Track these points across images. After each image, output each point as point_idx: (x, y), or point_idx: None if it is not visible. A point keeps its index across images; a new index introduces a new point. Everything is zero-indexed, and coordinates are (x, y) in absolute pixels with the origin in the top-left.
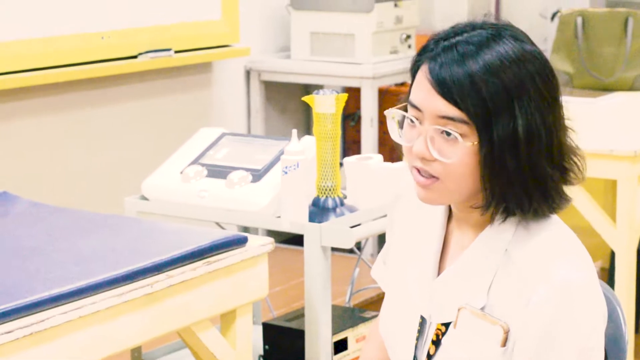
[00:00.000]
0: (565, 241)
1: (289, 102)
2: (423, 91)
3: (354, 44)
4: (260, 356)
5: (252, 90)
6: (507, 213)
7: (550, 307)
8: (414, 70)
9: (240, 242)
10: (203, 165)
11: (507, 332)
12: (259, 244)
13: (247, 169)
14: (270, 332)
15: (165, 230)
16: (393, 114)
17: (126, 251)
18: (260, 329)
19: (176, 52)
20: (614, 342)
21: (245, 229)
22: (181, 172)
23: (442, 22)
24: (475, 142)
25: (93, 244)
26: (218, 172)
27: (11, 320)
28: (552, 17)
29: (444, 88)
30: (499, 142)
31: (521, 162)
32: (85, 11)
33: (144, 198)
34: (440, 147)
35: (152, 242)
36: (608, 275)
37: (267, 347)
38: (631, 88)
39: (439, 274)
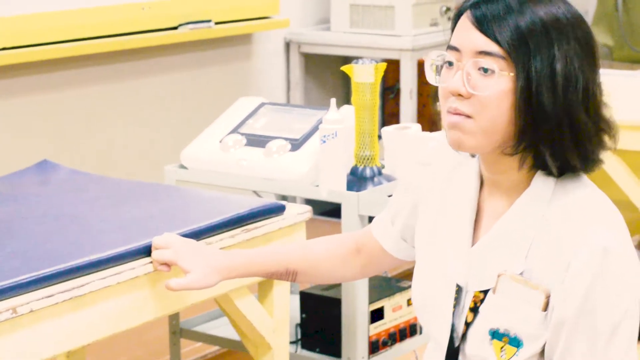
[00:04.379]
0: (601, 204)
1: (328, 74)
2: (462, 30)
3: (393, 15)
4: (297, 324)
5: (292, 62)
6: (538, 163)
7: (591, 271)
8: (455, 20)
9: (278, 210)
10: (242, 134)
11: (548, 297)
12: (297, 212)
13: (285, 138)
14: (307, 300)
15: (204, 198)
16: (432, 59)
17: (165, 218)
18: (297, 297)
19: (216, 23)
20: None
21: (283, 198)
22: (220, 141)
23: None
24: (512, 74)
25: (132, 211)
26: (257, 141)
27: (52, 285)
28: None
29: (484, 23)
30: (536, 78)
31: (557, 102)
32: None
33: (183, 167)
34: (476, 82)
35: (191, 209)
36: None
37: (304, 315)
38: None
39: (473, 242)
